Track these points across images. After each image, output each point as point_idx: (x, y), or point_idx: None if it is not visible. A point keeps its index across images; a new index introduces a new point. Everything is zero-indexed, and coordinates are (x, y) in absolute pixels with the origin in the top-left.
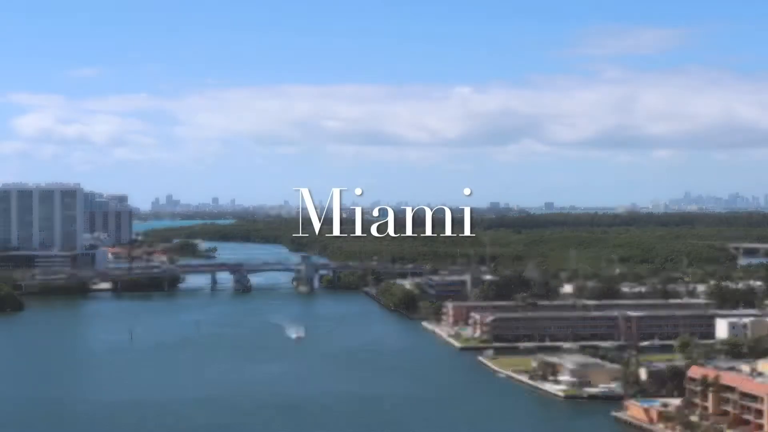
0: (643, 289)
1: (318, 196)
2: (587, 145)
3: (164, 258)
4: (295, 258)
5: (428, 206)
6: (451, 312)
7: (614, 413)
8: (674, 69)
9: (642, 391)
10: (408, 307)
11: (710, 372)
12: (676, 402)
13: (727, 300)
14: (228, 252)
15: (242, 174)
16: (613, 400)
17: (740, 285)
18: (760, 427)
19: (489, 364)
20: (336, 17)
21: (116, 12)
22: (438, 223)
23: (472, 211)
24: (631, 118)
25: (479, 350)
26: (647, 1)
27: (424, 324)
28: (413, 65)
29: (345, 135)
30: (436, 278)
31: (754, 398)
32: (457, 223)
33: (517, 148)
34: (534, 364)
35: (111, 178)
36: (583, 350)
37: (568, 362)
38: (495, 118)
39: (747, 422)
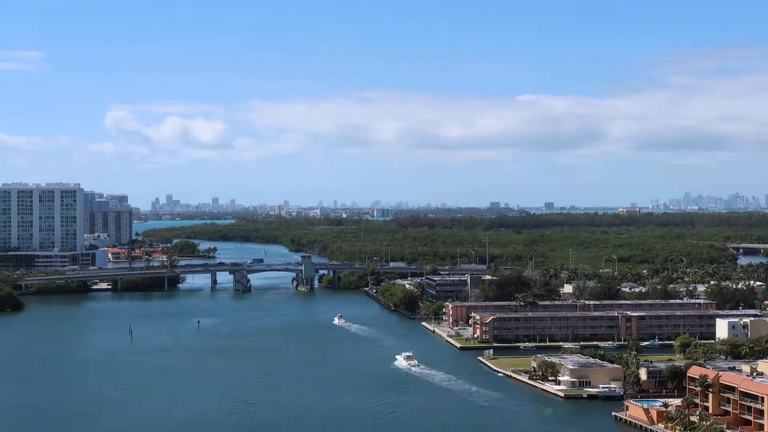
0: (643, 289)
1: (374, 196)
2: (649, 147)
3: (164, 258)
4: (295, 258)
5: (428, 207)
6: (451, 312)
7: (614, 413)
8: (735, 76)
9: (642, 391)
10: (408, 307)
11: (710, 372)
12: (676, 402)
13: (727, 300)
14: (228, 252)
15: (311, 174)
16: (613, 400)
17: (740, 285)
18: (761, 427)
19: (489, 364)
20: (403, 30)
21: (183, 24)
22: (438, 223)
23: (472, 211)
24: (693, 120)
25: (479, 350)
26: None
27: (424, 324)
28: (478, 76)
29: (404, 139)
30: (436, 278)
31: (754, 398)
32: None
33: (579, 152)
34: (534, 364)
35: (183, 179)
36: (583, 350)
37: (568, 362)
38: (556, 123)
39: (747, 422)
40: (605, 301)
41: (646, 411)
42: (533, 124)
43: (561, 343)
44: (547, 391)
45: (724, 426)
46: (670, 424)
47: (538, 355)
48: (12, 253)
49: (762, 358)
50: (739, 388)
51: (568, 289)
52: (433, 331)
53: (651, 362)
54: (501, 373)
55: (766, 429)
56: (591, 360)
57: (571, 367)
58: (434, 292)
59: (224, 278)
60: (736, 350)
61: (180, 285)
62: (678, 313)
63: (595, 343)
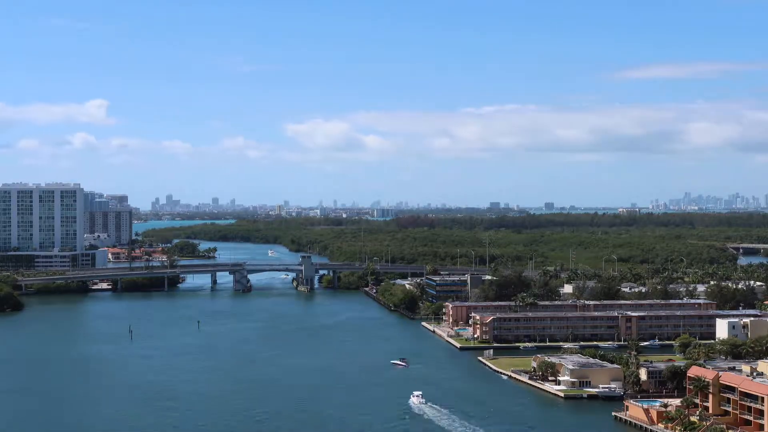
0: (643, 289)
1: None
2: (728, 148)
3: (164, 258)
4: (295, 258)
5: (428, 207)
6: (451, 312)
7: (614, 413)
8: None
9: (642, 391)
10: (408, 307)
11: (710, 372)
12: (676, 402)
13: (727, 300)
14: (228, 252)
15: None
16: (613, 400)
17: (740, 285)
18: (761, 427)
19: (489, 364)
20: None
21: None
22: (438, 223)
23: (472, 211)
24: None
25: (479, 350)
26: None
27: (424, 324)
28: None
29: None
30: (436, 278)
31: (754, 398)
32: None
33: (662, 154)
34: (534, 364)
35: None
36: (583, 350)
37: (568, 362)
38: (650, 125)
39: (747, 422)
40: (605, 301)
41: (646, 411)
42: (629, 127)
43: (561, 343)
44: (547, 391)
45: (724, 426)
46: (670, 425)
47: (538, 355)
48: (12, 253)
49: (762, 358)
50: (739, 388)
51: (568, 289)
52: (433, 332)
53: (651, 362)
54: (505, 375)
55: (766, 429)
56: (591, 360)
57: (571, 367)
58: (434, 293)
59: (225, 278)
60: (736, 350)
61: (180, 285)
62: (678, 313)
63: (595, 343)
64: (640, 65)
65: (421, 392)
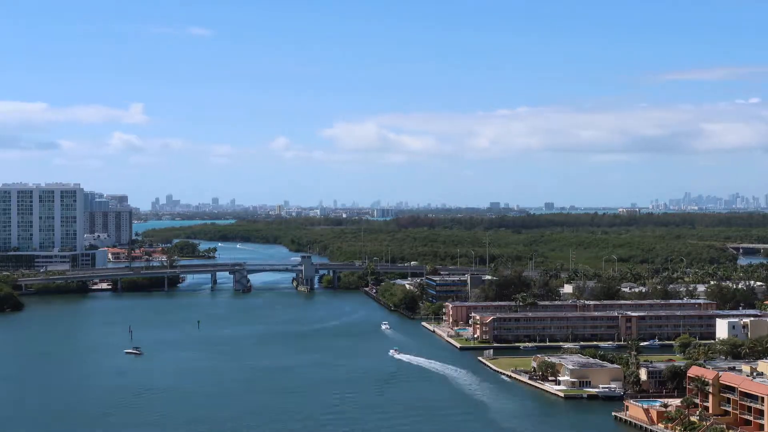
0: (643, 289)
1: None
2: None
3: (164, 258)
4: (295, 258)
5: (428, 207)
6: (451, 312)
7: (614, 413)
8: None
9: (642, 391)
10: (408, 307)
11: (710, 372)
12: (676, 402)
13: (727, 300)
14: (228, 252)
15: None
16: (613, 400)
17: (740, 285)
18: (761, 427)
19: (489, 364)
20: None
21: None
22: (438, 223)
23: (472, 211)
24: None
25: (479, 350)
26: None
27: (424, 324)
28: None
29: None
30: (436, 278)
31: (754, 398)
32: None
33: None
34: (534, 364)
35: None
36: (583, 350)
37: (568, 362)
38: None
39: (747, 422)
40: (605, 301)
41: (646, 411)
42: (646, 128)
43: (561, 343)
44: (547, 391)
45: (724, 426)
46: (670, 425)
47: (538, 355)
48: (12, 253)
49: (762, 358)
50: (739, 389)
51: (568, 289)
52: (433, 332)
53: (651, 362)
54: (506, 375)
55: (766, 429)
56: (591, 360)
57: (571, 367)
58: (434, 292)
59: (224, 278)
60: (736, 350)
61: (180, 285)
62: (678, 313)
63: (595, 343)
64: (656, 69)
65: (397, 347)
